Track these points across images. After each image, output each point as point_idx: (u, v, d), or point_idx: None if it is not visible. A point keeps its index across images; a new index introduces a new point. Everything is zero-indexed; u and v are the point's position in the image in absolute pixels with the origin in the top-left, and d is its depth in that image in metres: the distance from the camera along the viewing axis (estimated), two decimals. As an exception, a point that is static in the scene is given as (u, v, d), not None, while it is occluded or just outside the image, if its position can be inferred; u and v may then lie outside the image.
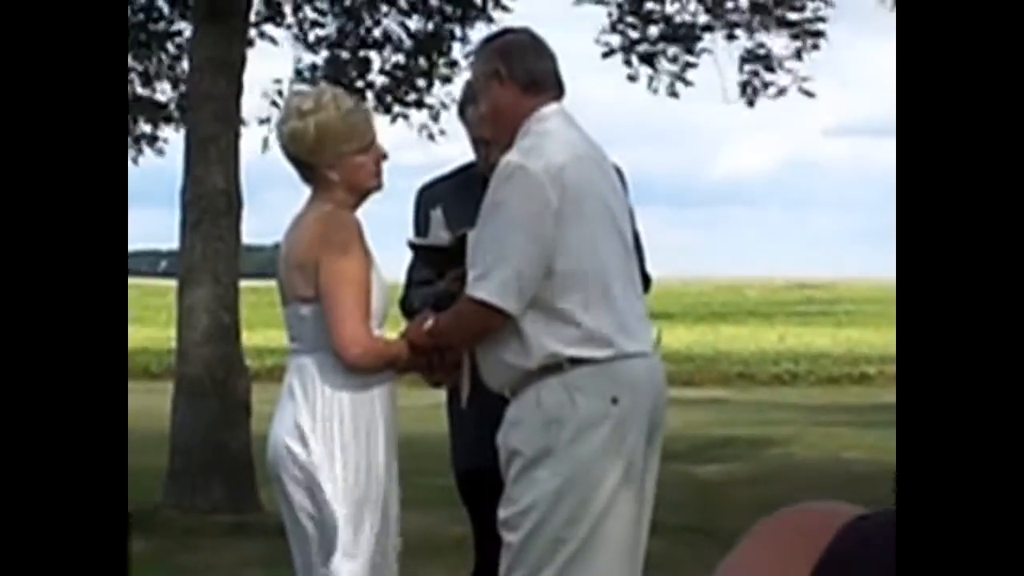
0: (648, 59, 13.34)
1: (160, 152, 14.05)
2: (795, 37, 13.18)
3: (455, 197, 5.15)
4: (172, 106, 13.77)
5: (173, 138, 13.92)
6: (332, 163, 4.45)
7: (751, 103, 13.47)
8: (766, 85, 13.38)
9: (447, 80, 13.73)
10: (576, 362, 4.26)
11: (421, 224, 5.27)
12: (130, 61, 13.56)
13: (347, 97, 4.70)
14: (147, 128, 13.95)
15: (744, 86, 13.44)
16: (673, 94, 13.47)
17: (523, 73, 4.46)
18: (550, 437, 4.25)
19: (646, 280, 4.88)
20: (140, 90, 13.83)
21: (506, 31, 4.76)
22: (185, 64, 13.21)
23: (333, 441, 4.36)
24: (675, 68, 13.38)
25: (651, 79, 13.38)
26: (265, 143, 13.03)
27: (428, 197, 5.28)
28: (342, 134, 4.45)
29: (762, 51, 13.32)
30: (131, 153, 13.90)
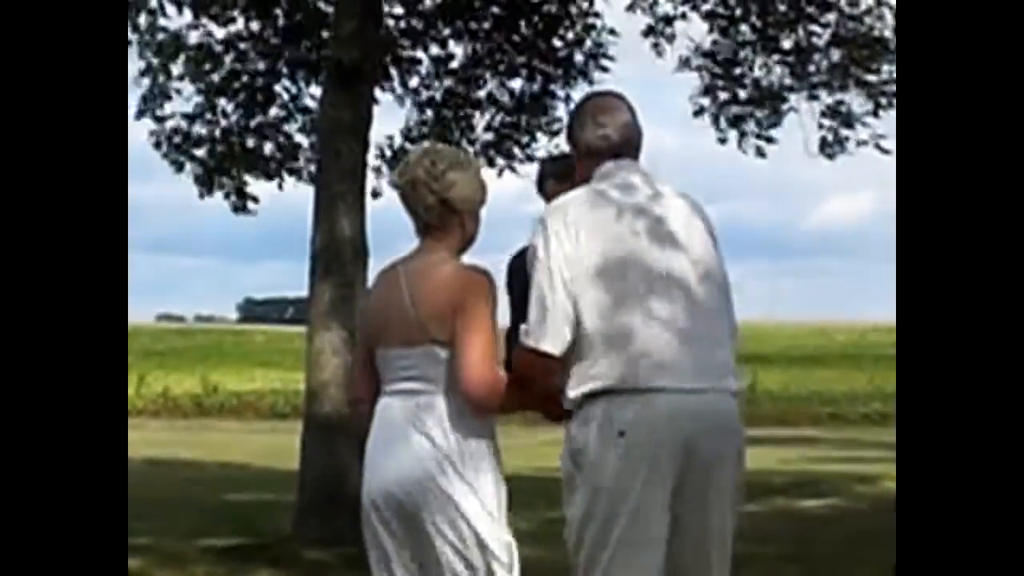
0: (735, 121, 13.35)
1: (249, 204, 13.99)
2: (871, 97, 13.08)
3: None
4: (273, 161, 13.79)
5: (272, 191, 13.95)
6: (472, 214, 4.53)
7: (831, 157, 13.39)
8: (845, 139, 13.30)
9: (553, 135, 13.67)
10: (590, 397, 4.28)
11: (516, 292, 5.31)
12: (244, 119, 13.65)
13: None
14: (249, 179, 13.92)
15: (824, 141, 13.37)
16: (761, 155, 13.46)
17: (579, 142, 4.58)
18: (576, 465, 4.31)
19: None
20: (250, 143, 13.84)
21: (586, 97, 4.83)
22: (292, 124, 13.39)
23: (464, 472, 4.34)
24: (758, 129, 13.38)
25: (740, 140, 13.41)
26: (374, 193, 13.08)
27: (519, 266, 5.32)
28: (483, 189, 4.55)
29: (842, 108, 13.25)
30: (235, 204, 13.91)
